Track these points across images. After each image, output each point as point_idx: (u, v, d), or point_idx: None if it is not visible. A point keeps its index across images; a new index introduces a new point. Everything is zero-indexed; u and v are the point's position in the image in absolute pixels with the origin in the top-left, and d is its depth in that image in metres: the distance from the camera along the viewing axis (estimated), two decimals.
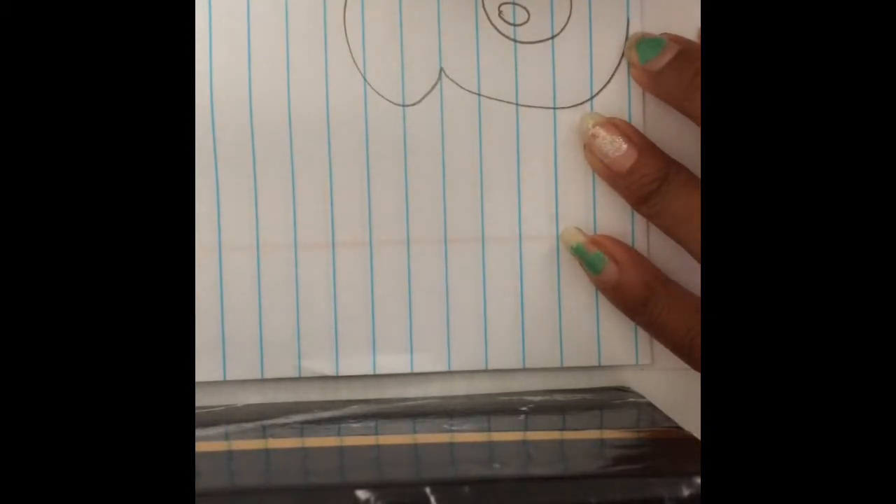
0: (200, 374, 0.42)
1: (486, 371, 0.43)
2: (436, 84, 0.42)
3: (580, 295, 0.43)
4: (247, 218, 0.42)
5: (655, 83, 0.41)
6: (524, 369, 0.43)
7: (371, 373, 0.43)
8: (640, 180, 0.41)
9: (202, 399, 0.43)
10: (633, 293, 0.41)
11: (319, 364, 0.43)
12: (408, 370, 0.43)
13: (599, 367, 0.43)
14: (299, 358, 0.43)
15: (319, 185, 0.42)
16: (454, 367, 0.43)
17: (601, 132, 0.41)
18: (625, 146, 0.41)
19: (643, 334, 0.43)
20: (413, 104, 0.42)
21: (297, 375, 0.43)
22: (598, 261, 0.42)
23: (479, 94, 0.43)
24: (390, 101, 0.42)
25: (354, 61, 0.42)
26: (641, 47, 0.41)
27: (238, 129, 0.42)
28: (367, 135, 0.42)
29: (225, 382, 0.43)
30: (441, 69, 0.42)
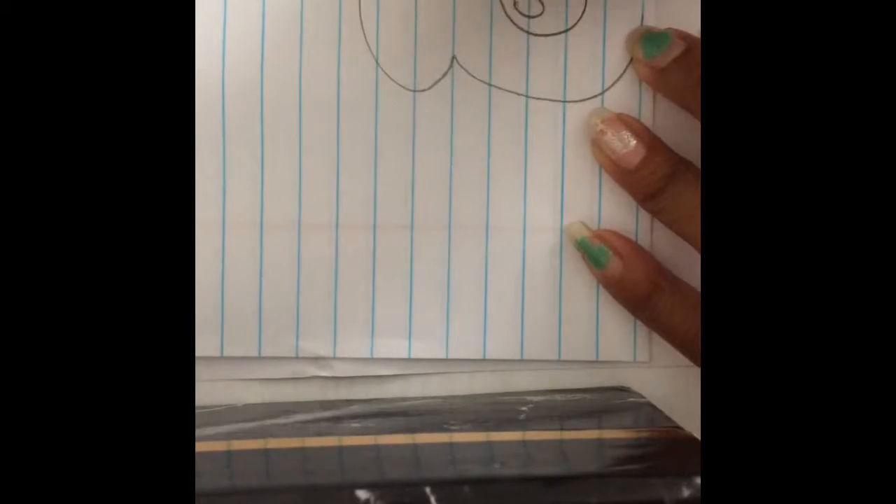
0: (198, 350, 0.42)
1: (485, 362, 0.43)
2: (447, 71, 0.42)
3: (581, 289, 0.43)
4: (252, 196, 0.42)
5: (660, 80, 0.41)
6: (523, 360, 0.43)
7: (368, 356, 0.43)
8: (648, 178, 0.41)
9: (202, 398, 0.43)
10: (636, 289, 0.41)
11: (317, 345, 0.43)
12: (405, 356, 0.43)
13: (598, 364, 0.43)
14: (297, 338, 0.43)
15: (327, 165, 0.42)
16: (452, 356, 0.43)
17: (610, 128, 0.41)
18: (633, 143, 0.41)
19: (642, 331, 0.43)
20: (424, 90, 0.42)
21: (294, 355, 0.43)
22: (601, 255, 0.42)
23: (489, 84, 0.42)
24: (401, 86, 0.42)
25: (368, 45, 0.42)
26: (645, 43, 0.41)
27: (248, 107, 0.42)
28: (376, 118, 0.42)
29: (226, 382, 0.43)
30: (453, 57, 0.42)
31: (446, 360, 0.43)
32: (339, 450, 0.35)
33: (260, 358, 0.43)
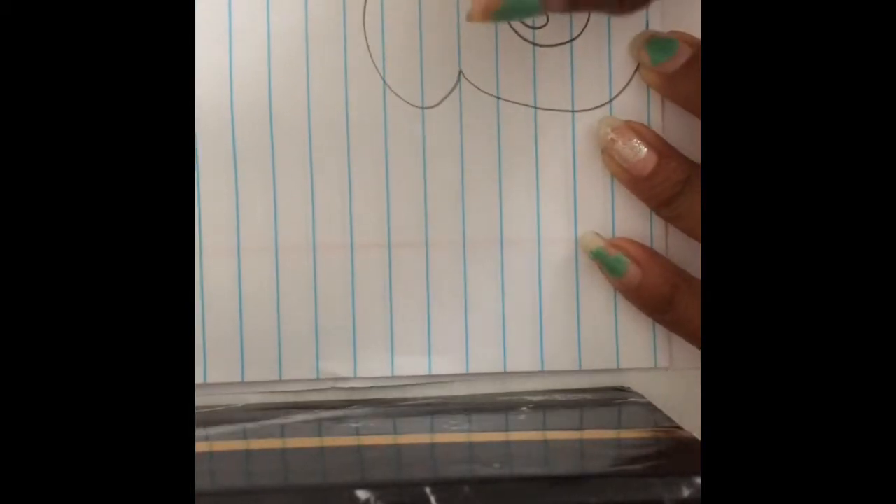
0: (218, 376, 0.42)
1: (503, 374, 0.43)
2: (455, 86, 0.43)
3: (599, 297, 0.43)
4: (265, 219, 0.42)
5: (668, 86, 0.41)
6: (543, 372, 0.43)
7: (389, 375, 0.43)
8: (662, 184, 0.41)
9: (203, 399, 0.43)
10: (656, 293, 0.41)
11: (337, 366, 0.43)
12: (426, 372, 0.43)
13: (617, 370, 0.43)
14: (317, 360, 0.43)
15: (338, 186, 0.42)
16: (472, 370, 0.43)
17: (620, 137, 0.41)
18: (644, 150, 0.41)
19: (662, 336, 0.43)
20: (432, 106, 0.43)
21: (314, 377, 0.43)
22: (618, 264, 0.41)
23: (497, 97, 0.43)
24: (409, 104, 0.43)
25: (374, 63, 0.42)
26: (652, 48, 0.41)
27: (257, 130, 0.42)
28: (385, 137, 0.42)
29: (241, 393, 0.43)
30: (460, 72, 0.42)
31: (466, 374, 0.43)
32: (340, 449, 0.35)
33: (281, 381, 0.43)
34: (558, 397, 0.41)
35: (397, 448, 0.35)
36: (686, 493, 0.30)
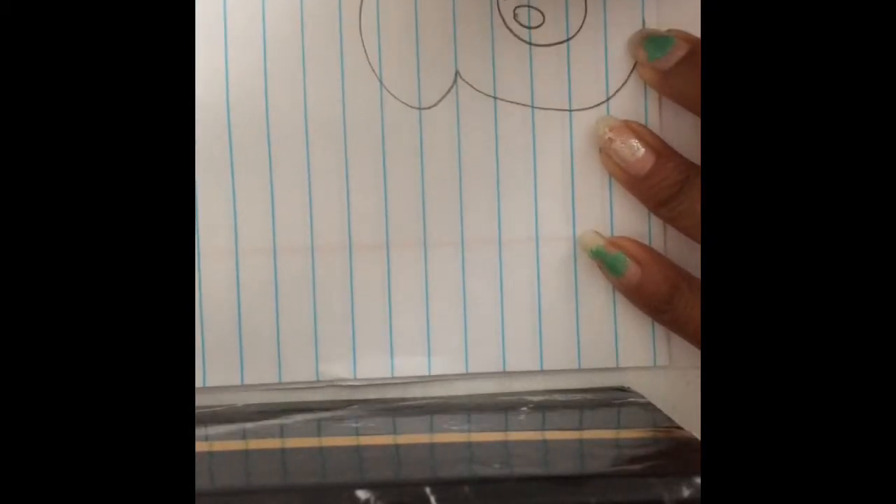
0: (217, 379, 0.42)
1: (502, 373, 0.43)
2: (451, 87, 0.43)
3: (597, 296, 0.43)
4: (263, 221, 0.42)
5: (665, 83, 0.41)
6: (541, 371, 0.43)
7: (389, 376, 0.43)
8: (660, 184, 0.40)
9: (202, 399, 0.43)
10: (656, 291, 0.41)
11: (337, 367, 0.43)
12: (425, 373, 0.43)
13: (616, 369, 0.43)
14: (317, 361, 0.43)
15: (336, 188, 0.42)
16: (472, 370, 0.43)
17: (617, 136, 0.41)
18: (642, 150, 0.41)
19: (661, 335, 0.43)
20: (429, 107, 0.43)
21: (314, 379, 0.43)
22: (618, 263, 0.41)
23: (494, 97, 0.43)
24: (406, 104, 0.42)
25: (370, 64, 0.42)
26: (649, 45, 0.41)
27: (254, 132, 0.42)
28: (383, 137, 0.42)
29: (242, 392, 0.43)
30: (457, 72, 0.42)
31: (466, 374, 0.43)
32: (340, 449, 0.35)
33: (280, 383, 0.43)
34: (558, 397, 0.41)
35: (397, 448, 0.35)
36: (686, 493, 0.30)
